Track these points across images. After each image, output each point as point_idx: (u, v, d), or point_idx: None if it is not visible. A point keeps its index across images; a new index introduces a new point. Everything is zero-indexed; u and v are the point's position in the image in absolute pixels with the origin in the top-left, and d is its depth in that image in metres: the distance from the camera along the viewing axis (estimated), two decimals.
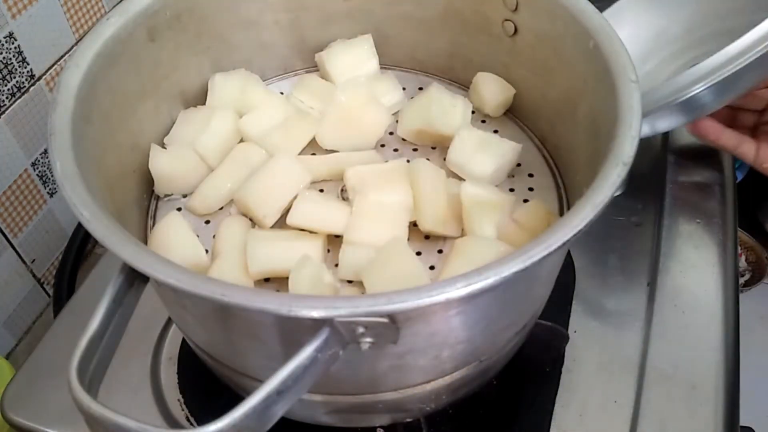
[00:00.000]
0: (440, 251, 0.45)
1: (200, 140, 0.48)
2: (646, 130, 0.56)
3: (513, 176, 0.50)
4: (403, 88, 0.56)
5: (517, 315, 0.42)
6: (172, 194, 0.48)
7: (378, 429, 0.47)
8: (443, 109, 0.51)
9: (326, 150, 0.51)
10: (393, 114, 0.54)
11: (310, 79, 0.55)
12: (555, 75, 0.48)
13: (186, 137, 0.49)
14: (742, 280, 1.12)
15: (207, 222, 0.47)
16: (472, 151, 0.48)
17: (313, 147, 0.51)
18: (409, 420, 0.47)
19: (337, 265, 0.43)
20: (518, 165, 0.50)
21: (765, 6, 0.58)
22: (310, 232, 0.44)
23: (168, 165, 0.47)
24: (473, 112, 0.53)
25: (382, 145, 0.53)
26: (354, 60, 0.55)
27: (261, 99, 0.52)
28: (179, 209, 0.48)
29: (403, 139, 0.53)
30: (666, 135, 0.71)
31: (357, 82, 0.52)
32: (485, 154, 0.48)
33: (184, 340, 0.54)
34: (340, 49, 0.55)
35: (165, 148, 0.48)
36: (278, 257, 0.42)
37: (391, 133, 0.53)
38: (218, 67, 0.53)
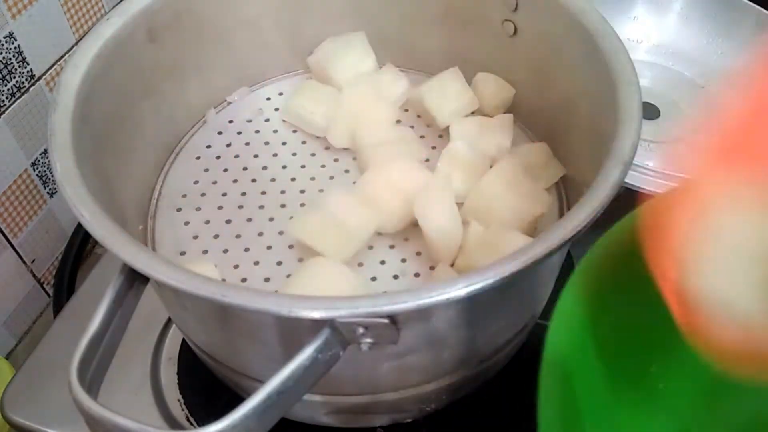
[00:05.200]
0: None
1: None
2: None
3: None
4: None
5: (517, 315, 0.42)
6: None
7: (378, 429, 0.47)
8: (444, 94, 0.52)
9: (338, 149, 0.52)
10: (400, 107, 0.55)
11: (309, 85, 0.54)
12: (555, 75, 0.48)
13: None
14: None
15: (207, 222, 0.47)
16: (478, 136, 0.50)
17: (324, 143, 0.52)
18: (409, 420, 0.47)
19: None
20: None
21: None
22: None
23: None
24: (473, 113, 0.53)
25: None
26: (353, 60, 0.55)
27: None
28: (179, 209, 0.48)
29: (419, 116, 0.55)
30: None
31: (361, 80, 0.53)
32: (494, 133, 0.50)
33: (184, 341, 0.54)
34: (338, 51, 0.54)
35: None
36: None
37: (406, 110, 0.55)
38: (217, 67, 0.53)
